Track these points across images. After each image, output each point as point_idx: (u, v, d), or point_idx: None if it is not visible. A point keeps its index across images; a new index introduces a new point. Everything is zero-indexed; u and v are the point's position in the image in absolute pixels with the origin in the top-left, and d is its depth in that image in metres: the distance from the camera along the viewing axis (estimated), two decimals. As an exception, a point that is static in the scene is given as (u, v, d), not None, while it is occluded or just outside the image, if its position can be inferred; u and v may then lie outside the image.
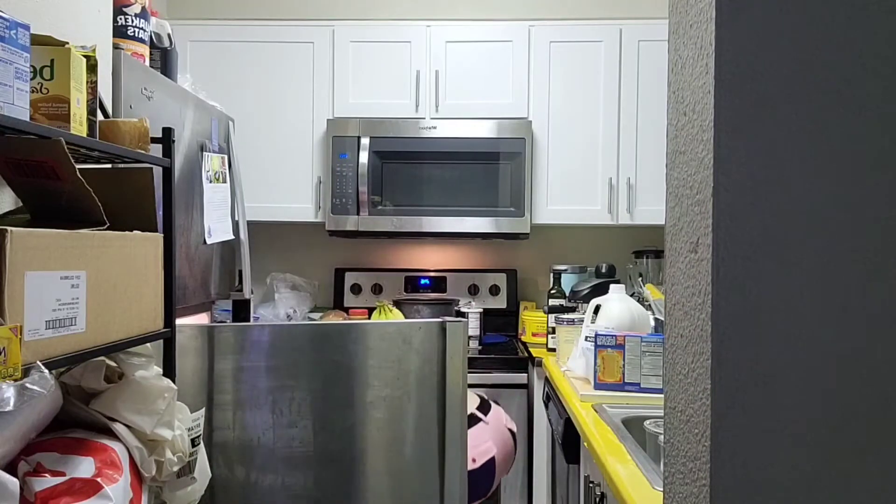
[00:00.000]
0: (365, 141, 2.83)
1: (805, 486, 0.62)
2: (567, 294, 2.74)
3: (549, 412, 2.25)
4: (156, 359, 1.40)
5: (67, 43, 1.20)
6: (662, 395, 0.77)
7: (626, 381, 1.87)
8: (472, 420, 1.96)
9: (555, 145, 2.91)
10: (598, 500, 1.45)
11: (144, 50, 1.95)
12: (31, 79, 1.14)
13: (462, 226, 2.84)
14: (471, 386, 2.13)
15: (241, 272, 2.54)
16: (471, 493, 1.87)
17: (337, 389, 1.82)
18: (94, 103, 1.30)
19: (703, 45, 0.64)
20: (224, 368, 1.77)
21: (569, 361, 2.18)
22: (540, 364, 2.52)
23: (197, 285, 2.26)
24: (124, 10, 1.88)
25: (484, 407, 2.04)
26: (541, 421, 2.52)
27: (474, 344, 2.83)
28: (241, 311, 2.71)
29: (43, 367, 1.00)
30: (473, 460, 1.87)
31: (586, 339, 2.05)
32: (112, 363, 1.31)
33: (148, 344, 1.38)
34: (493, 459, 1.92)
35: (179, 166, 2.09)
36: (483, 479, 1.92)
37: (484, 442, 1.94)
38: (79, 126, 1.22)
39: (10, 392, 0.93)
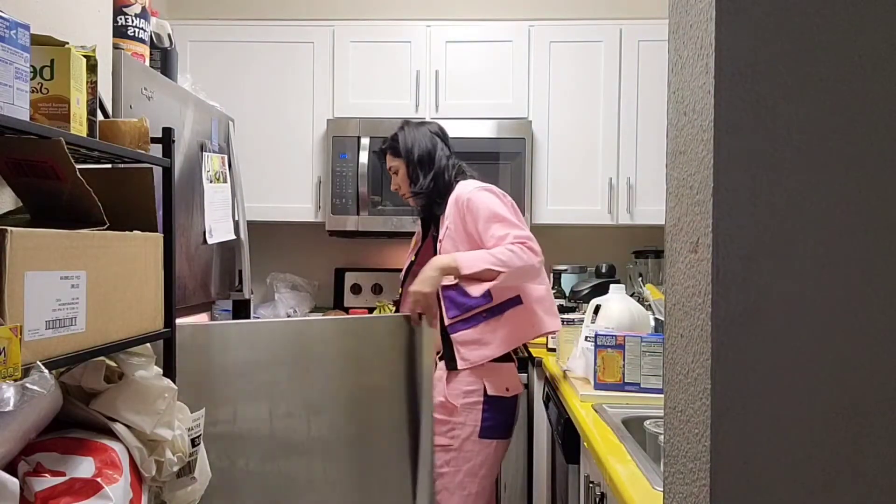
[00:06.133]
0: (365, 141, 2.83)
1: (805, 486, 0.62)
2: (567, 294, 2.74)
3: (549, 412, 2.25)
4: (156, 359, 1.40)
5: (67, 43, 1.20)
6: (662, 395, 0.77)
7: (626, 381, 1.87)
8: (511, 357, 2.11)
9: (555, 145, 2.91)
10: (598, 500, 1.45)
11: (144, 50, 1.95)
12: (31, 79, 1.14)
13: (462, 226, 2.83)
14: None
15: (241, 272, 2.54)
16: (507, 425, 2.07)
17: (318, 381, 1.92)
18: (94, 103, 1.30)
19: (703, 45, 0.64)
20: (206, 365, 1.81)
21: (569, 361, 2.18)
22: (540, 364, 2.52)
23: (197, 285, 2.26)
24: (124, 10, 1.88)
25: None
26: (541, 421, 2.52)
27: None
28: (241, 311, 2.72)
29: (43, 367, 1.00)
30: (507, 389, 2.03)
31: (586, 340, 2.05)
32: (112, 363, 1.31)
33: (148, 344, 1.38)
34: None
35: (179, 166, 2.09)
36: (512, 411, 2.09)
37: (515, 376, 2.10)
38: (79, 126, 1.22)
39: (10, 392, 0.93)
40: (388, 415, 2.00)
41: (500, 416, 2.02)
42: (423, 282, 1.94)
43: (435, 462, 1.99)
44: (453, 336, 1.99)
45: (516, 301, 1.99)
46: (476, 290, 1.95)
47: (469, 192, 2.00)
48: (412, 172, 2.11)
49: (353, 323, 2.08)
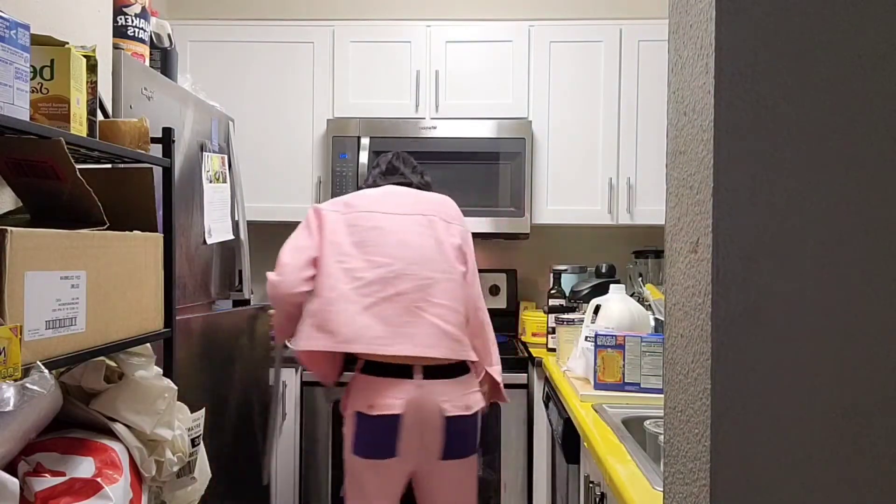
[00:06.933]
0: (365, 141, 2.83)
1: (805, 487, 0.62)
2: (567, 294, 2.74)
3: (549, 412, 2.25)
4: (156, 358, 1.40)
5: (67, 43, 1.20)
6: (662, 395, 0.77)
7: (626, 381, 1.87)
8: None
9: (555, 145, 2.91)
10: (598, 500, 1.45)
11: (144, 50, 1.95)
12: (31, 79, 1.15)
13: (462, 226, 2.83)
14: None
15: (241, 272, 2.54)
16: (385, 446, 1.86)
17: (216, 370, 2.16)
18: (94, 103, 1.30)
19: (703, 45, 0.64)
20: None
21: (569, 361, 2.18)
22: (540, 364, 2.52)
23: (197, 285, 2.26)
24: (124, 10, 1.88)
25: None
26: (541, 421, 2.52)
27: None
28: (241, 311, 2.71)
29: (43, 367, 1.00)
30: (370, 406, 1.84)
31: (586, 340, 2.05)
32: (112, 363, 1.31)
33: (148, 344, 1.38)
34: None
35: (179, 166, 2.09)
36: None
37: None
38: (79, 126, 1.22)
39: (10, 392, 0.93)
40: (249, 398, 2.31)
41: (370, 435, 1.84)
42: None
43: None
44: None
45: None
46: None
47: None
48: None
49: (221, 317, 2.30)
